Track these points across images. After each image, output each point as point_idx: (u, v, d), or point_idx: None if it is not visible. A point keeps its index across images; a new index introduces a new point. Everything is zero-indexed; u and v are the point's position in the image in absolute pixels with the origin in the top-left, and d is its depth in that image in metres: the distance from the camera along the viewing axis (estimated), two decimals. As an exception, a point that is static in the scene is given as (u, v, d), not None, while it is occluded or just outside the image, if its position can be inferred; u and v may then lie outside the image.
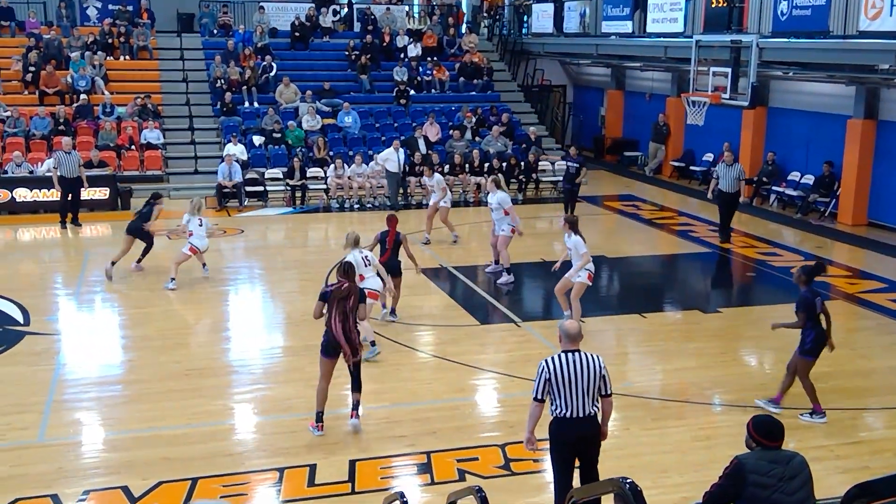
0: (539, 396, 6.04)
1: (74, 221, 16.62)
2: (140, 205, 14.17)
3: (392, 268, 10.89)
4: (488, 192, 13.75)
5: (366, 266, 10.01)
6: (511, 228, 13.18)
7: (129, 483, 7.14)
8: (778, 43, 16.36)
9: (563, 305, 10.90)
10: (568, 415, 5.97)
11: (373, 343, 9.94)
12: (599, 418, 6.14)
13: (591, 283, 10.71)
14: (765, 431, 4.84)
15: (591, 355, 6.05)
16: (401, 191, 18.97)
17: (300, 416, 8.45)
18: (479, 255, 14.93)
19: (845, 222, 17.07)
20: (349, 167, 19.04)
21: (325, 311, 7.94)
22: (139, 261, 13.39)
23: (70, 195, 16.38)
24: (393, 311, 11.28)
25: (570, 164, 17.13)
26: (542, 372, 6.00)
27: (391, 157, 18.24)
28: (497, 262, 13.52)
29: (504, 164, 19.84)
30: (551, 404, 6.05)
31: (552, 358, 6.02)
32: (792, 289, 13.37)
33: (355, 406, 8.11)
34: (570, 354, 6.01)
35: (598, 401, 6.07)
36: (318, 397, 8.07)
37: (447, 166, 19.49)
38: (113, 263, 13.03)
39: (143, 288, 12.78)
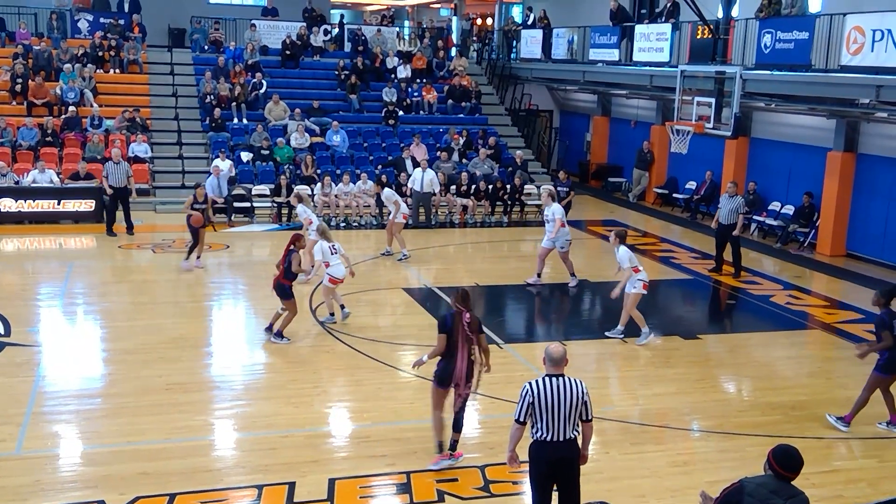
0: (521, 419, 6.08)
1: (129, 231, 17.02)
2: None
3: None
4: (543, 206, 14.68)
5: (332, 254, 11.45)
6: (569, 242, 14.05)
7: (107, 497, 7.11)
8: (761, 75, 16.66)
9: (622, 322, 11.64)
10: (549, 438, 6.02)
11: (331, 314, 11.51)
12: (580, 442, 6.20)
13: (645, 293, 11.38)
14: (783, 461, 4.90)
15: (575, 380, 6.08)
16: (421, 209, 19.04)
17: (280, 432, 8.46)
18: (464, 275, 15.01)
19: (824, 253, 17.30)
20: (336, 186, 19.12)
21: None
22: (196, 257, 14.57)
23: (118, 204, 16.86)
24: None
25: (560, 188, 17.22)
26: (525, 394, 6.04)
27: (417, 178, 18.70)
28: (539, 276, 14.33)
29: (490, 187, 20.00)
30: (532, 427, 6.10)
31: (536, 381, 6.06)
32: (769, 317, 13.54)
33: (453, 445, 7.82)
34: (554, 379, 6.06)
35: (578, 425, 6.13)
36: (436, 427, 7.77)
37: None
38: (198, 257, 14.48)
39: (126, 301, 12.76)
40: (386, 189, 16.45)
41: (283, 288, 10.92)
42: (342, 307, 12.02)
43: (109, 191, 16.92)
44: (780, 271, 16.31)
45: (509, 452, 6.29)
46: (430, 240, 17.63)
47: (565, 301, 13.67)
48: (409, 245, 16.04)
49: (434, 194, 19.01)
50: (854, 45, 14.71)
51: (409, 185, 18.92)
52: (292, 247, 10.95)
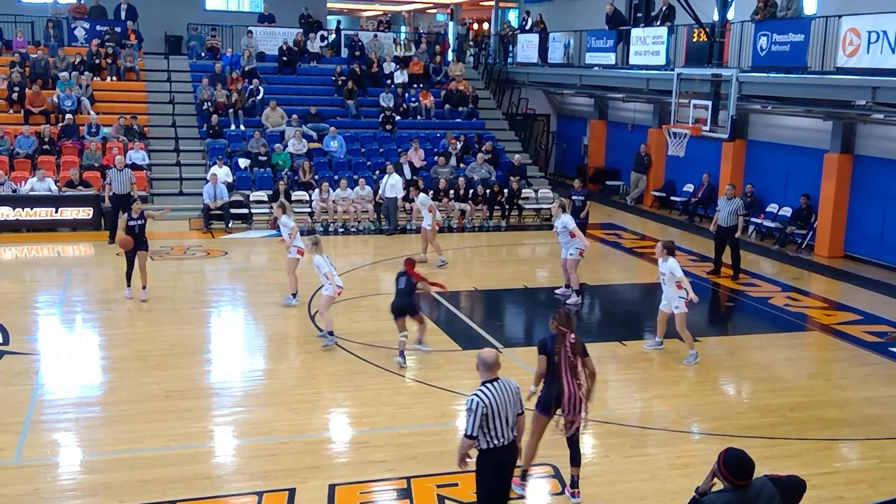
0: (473, 433, 5.92)
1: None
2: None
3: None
4: (552, 216, 14.17)
5: (329, 266, 11.03)
6: (579, 251, 13.50)
7: (107, 505, 7.11)
8: (757, 77, 16.69)
9: (659, 333, 11.36)
10: (498, 444, 5.96)
11: (330, 333, 11.00)
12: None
13: (688, 310, 10.89)
14: (735, 470, 4.71)
15: (510, 381, 6.11)
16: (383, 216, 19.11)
17: (280, 439, 8.45)
18: (462, 280, 15.01)
19: (822, 254, 17.31)
20: (334, 191, 19.13)
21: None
22: None
23: (120, 211, 16.43)
24: (420, 342, 11.07)
25: (575, 197, 16.43)
26: (477, 407, 5.87)
27: (381, 183, 18.63)
28: (568, 286, 13.81)
29: (488, 191, 20.01)
30: (483, 437, 5.98)
31: (482, 391, 5.95)
32: (768, 318, 13.51)
33: (574, 483, 7.37)
34: (494, 384, 6.00)
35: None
36: (527, 454, 7.23)
37: (431, 192, 19.61)
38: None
39: (124, 309, 12.74)
40: (421, 194, 16.29)
41: (413, 305, 10.78)
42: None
43: (108, 202, 16.84)
44: (778, 273, 16.32)
45: (461, 455, 6.14)
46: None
47: (564, 305, 13.64)
48: (407, 251, 16.01)
49: (397, 199, 18.71)
50: (850, 46, 14.74)
51: (381, 190, 18.66)
52: (408, 272, 10.69)
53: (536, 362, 7.31)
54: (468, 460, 6.17)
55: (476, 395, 5.96)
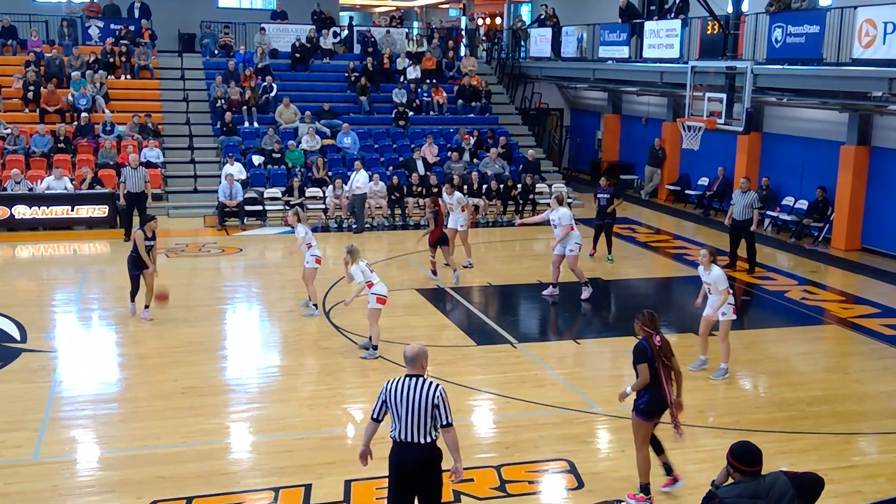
0: (375, 416, 5.97)
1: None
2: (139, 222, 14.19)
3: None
4: (550, 209, 13.62)
5: (371, 272, 10.47)
6: (578, 246, 13.24)
7: (124, 501, 7.16)
8: (772, 69, 16.56)
9: (702, 348, 10.41)
10: (399, 438, 5.88)
11: (375, 347, 10.48)
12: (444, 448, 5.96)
13: (735, 317, 10.32)
14: (743, 457, 4.80)
15: (430, 384, 5.86)
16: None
17: (296, 435, 8.49)
18: (476, 276, 15.00)
19: (839, 247, 17.17)
20: (347, 188, 19.14)
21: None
22: None
23: (135, 209, 16.76)
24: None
25: (600, 195, 16.01)
26: (380, 392, 5.93)
27: (351, 179, 18.42)
28: (555, 286, 13.52)
29: (501, 186, 19.97)
30: (392, 427, 5.93)
31: (392, 380, 5.94)
32: (784, 312, 13.41)
33: (669, 470, 7.39)
34: (410, 379, 5.88)
35: (435, 431, 5.87)
36: (642, 467, 7.17)
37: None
38: None
39: (140, 306, 12.79)
40: (457, 192, 15.46)
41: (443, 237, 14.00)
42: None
43: (122, 200, 16.92)
44: (794, 266, 16.21)
45: (362, 447, 6.15)
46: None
47: (578, 300, 13.61)
48: (412, 247, 16.01)
49: (366, 195, 18.56)
50: (866, 37, 14.61)
51: (347, 187, 18.52)
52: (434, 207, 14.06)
53: (637, 372, 7.08)
54: (366, 459, 6.16)
55: (387, 381, 5.96)
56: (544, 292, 13.67)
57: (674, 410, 7.00)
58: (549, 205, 20.45)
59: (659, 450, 7.37)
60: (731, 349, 10.32)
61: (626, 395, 7.28)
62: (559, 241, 13.32)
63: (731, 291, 10.21)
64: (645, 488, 7.19)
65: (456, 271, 14.32)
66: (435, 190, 18.03)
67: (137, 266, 11.88)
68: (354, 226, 18.58)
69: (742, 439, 5.03)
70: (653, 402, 7.03)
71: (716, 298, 10.09)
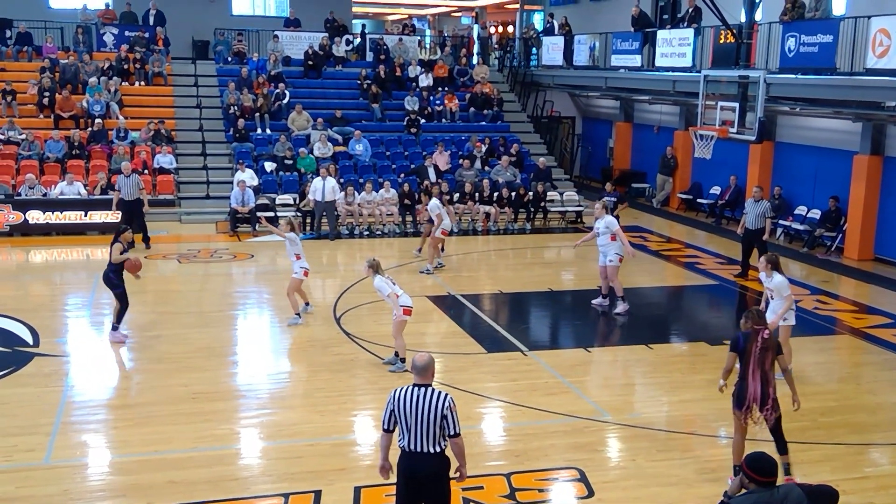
0: (386, 426, 5.94)
1: (145, 242, 16.75)
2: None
3: None
4: (596, 217, 13.43)
5: (394, 284, 10.27)
6: (619, 257, 13.04)
7: (135, 505, 7.18)
8: (785, 79, 16.51)
9: (787, 356, 10.52)
10: (409, 448, 5.86)
11: (402, 360, 10.30)
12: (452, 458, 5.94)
13: (794, 323, 10.30)
14: (759, 467, 4.91)
15: (439, 393, 5.83)
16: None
17: (306, 441, 8.49)
18: (487, 283, 14.99)
19: (851, 257, 17.08)
20: (359, 194, 19.19)
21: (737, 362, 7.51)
22: None
23: (131, 217, 16.51)
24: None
25: (606, 200, 15.72)
26: (388, 402, 5.89)
27: (318, 186, 18.20)
28: (605, 296, 13.36)
29: (513, 194, 19.98)
30: (399, 437, 5.93)
31: (400, 389, 5.92)
32: (796, 322, 13.30)
33: (787, 471, 7.43)
34: (417, 388, 5.86)
35: (443, 440, 5.85)
36: (735, 451, 7.62)
37: (457, 195, 19.65)
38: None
39: (151, 311, 12.87)
40: (433, 200, 15.73)
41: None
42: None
43: (116, 210, 16.61)
44: (807, 276, 16.12)
45: (381, 461, 6.12)
46: (453, 248, 17.62)
47: (589, 308, 13.58)
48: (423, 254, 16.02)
49: (335, 202, 18.38)
50: (879, 47, 14.54)
51: (311, 194, 18.28)
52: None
53: (726, 358, 7.58)
54: (388, 472, 6.11)
55: (394, 390, 5.93)
56: (594, 301, 13.55)
57: (757, 404, 7.30)
58: (561, 213, 20.74)
59: (782, 450, 7.56)
60: (790, 356, 10.10)
61: (723, 385, 7.73)
62: (600, 251, 13.09)
63: (793, 299, 10.20)
64: (736, 470, 7.42)
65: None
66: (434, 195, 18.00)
67: (120, 281, 11.39)
68: (325, 232, 18.34)
69: (757, 450, 5.08)
70: (739, 392, 7.44)
71: (778, 304, 10.06)
